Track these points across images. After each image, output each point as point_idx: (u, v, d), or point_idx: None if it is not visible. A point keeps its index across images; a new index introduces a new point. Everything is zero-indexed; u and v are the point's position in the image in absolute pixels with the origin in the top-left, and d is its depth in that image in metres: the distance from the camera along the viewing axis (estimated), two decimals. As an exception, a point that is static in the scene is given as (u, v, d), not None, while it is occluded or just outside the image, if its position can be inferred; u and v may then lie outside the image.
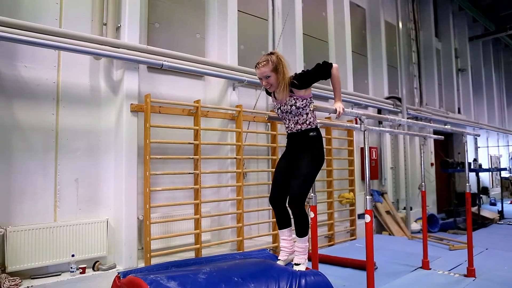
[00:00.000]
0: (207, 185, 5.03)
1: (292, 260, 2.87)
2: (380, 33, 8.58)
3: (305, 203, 2.83)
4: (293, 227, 2.90)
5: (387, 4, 8.92)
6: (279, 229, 2.98)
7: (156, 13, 4.93)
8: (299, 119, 2.84)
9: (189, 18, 5.29)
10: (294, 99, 2.78)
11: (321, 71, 2.82)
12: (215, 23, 5.50)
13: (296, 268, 2.74)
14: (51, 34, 3.71)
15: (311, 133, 2.84)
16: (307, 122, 2.85)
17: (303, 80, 2.77)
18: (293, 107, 2.79)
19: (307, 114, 2.84)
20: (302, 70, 2.92)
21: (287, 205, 2.83)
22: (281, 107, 2.86)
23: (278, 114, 2.97)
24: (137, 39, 4.44)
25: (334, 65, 2.84)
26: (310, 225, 2.89)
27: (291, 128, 2.91)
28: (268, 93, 3.04)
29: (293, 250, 2.89)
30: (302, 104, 2.80)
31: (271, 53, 2.80)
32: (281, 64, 2.74)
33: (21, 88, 3.82)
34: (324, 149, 2.93)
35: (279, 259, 2.93)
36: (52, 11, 4.06)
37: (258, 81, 3.27)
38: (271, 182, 3.03)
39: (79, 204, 4.13)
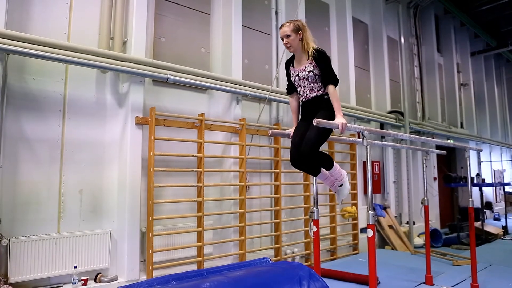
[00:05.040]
0: (210, 197, 5.04)
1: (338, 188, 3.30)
2: (383, 48, 8.67)
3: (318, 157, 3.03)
4: (322, 171, 3.13)
5: (389, 19, 9.03)
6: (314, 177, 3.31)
7: (162, 27, 5.02)
8: (314, 86, 3.04)
9: (194, 32, 5.38)
10: (312, 66, 3.00)
11: (330, 74, 2.97)
12: (220, 38, 5.60)
13: (339, 190, 3.27)
14: (60, 48, 3.80)
15: (326, 96, 3.01)
16: (322, 90, 3.04)
17: (322, 60, 2.97)
18: (311, 73, 3.00)
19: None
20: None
21: (301, 149, 2.96)
22: (299, 74, 3.07)
23: (294, 82, 3.16)
24: (143, 53, 4.52)
25: (335, 87, 2.98)
26: (330, 159, 3.11)
27: (307, 95, 3.09)
28: (287, 65, 3.21)
29: (333, 182, 3.26)
30: (319, 73, 3.00)
31: (297, 20, 3.08)
32: (303, 29, 3.00)
33: (29, 100, 3.88)
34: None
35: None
36: (61, 26, 4.16)
37: (262, 95, 3.25)
38: (290, 145, 3.20)
39: (83, 216, 4.15)
